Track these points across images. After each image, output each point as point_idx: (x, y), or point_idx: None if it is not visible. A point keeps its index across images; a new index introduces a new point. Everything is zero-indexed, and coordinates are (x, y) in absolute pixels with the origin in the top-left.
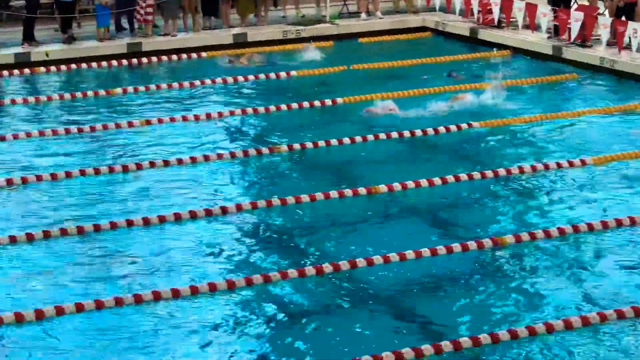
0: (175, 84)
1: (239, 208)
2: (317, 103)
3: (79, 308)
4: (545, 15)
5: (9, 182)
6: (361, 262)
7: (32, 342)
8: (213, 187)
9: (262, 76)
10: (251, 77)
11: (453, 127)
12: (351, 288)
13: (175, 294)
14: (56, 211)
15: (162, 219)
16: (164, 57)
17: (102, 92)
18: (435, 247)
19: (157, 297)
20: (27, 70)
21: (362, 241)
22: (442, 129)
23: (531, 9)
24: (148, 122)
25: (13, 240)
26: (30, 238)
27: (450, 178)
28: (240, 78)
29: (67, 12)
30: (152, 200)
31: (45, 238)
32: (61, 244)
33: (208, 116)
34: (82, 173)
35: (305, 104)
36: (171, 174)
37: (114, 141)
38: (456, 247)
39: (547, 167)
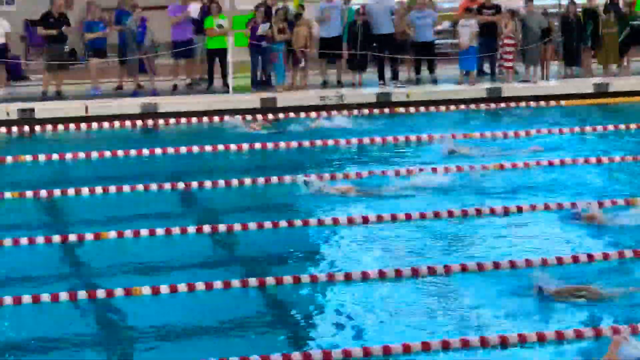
0: (533, 131)
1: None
2: None
3: (406, 349)
4: None
5: (365, 220)
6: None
7: None
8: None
9: (621, 127)
10: (610, 127)
11: None
12: None
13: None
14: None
15: (496, 265)
16: (522, 103)
17: (459, 135)
18: None
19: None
20: (386, 110)
21: None
22: None
23: None
24: (501, 167)
25: (366, 276)
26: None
27: None
28: (588, 128)
29: (422, 54)
30: (489, 244)
31: (397, 276)
32: (410, 284)
33: (562, 162)
34: (436, 215)
35: None
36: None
37: (471, 182)
38: None
39: None
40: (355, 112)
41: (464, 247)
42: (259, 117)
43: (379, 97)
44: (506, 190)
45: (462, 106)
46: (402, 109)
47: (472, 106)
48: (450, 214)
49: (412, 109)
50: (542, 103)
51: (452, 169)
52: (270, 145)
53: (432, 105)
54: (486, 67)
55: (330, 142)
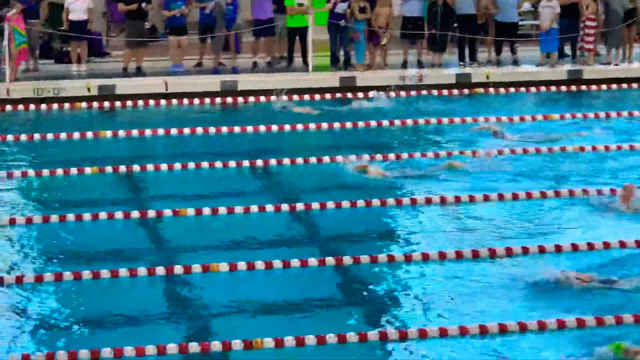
0: (614, 113)
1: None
2: None
3: (483, 330)
4: None
5: (443, 201)
6: None
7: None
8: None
9: None
10: None
11: None
12: None
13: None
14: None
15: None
16: (603, 86)
17: (539, 117)
18: None
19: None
20: (466, 91)
21: None
22: None
23: None
24: (581, 149)
25: (425, 256)
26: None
27: None
28: None
29: (504, 35)
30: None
31: (474, 257)
32: (486, 265)
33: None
34: (514, 197)
35: None
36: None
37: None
38: None
39: None
40: (435, 92)
41: (543, 229)
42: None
43: (459, 78)
44: (587, 173)
45: (543, 88)
46: (481, 90)
47: (553, 88)
48: (529, 195)
49: (491, 90)
50: (624, 86)
51: (530, 150)
52: (348, 124)
53: (512, 87)
54: (567, 49)
55: (409, 122)
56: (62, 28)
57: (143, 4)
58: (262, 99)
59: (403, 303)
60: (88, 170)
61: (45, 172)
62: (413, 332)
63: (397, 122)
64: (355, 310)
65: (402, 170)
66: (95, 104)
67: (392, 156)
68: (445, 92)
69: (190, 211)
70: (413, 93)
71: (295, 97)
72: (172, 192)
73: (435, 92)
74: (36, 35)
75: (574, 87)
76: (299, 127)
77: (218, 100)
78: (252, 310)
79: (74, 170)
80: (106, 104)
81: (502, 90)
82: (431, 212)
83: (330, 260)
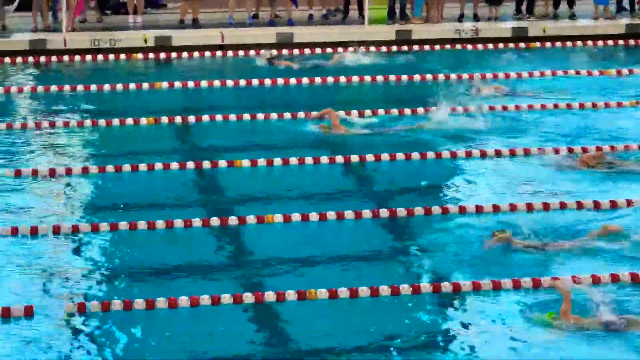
0: None
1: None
2: None
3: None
4: None
5: (498, 153)
6: None
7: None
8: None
9: None
10: None
11: None
12: None
13: None
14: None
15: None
16: None
17: (595, 72)
18: None
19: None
20: (522, 44)
21: None
22: None
23: None
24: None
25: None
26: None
27: None
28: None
29: None
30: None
31: (528, 210)
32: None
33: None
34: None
35: None
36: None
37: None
38: None
39: None
40: (490, 46)
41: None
42: (274, 51)
43: (515, 32)
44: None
45: (600, 42)
46: (538, 44)
47: (610, 42)
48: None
49: (548, 44)
50: None
51: (586, 105)
52: (404, 77)
53: (568, 41)
54: (626, 3)
55: (465, 75)
56: None
57: None
58: (318, 51)
59: (456, 256)
60: (144, 121)
61: (102, 122)
62: (467, 285)
63: (453, 75)
64: (409, 262)
65: (454, 123)
66: (151, 55)
67: (446, 109)
68: (501, 45)
69: (245, 162)
70: (469, 47)
71: (351, 49)
72: (228, 143)
73: (491, 45)
74: None
75: (632, 42)
76: (355, 79)
77: (273, 52)
78: (306, 261)
79: (129, 121)
80: (162, 55)
81: (558, 44)
82: (486, 165)
83: (384, 212)
